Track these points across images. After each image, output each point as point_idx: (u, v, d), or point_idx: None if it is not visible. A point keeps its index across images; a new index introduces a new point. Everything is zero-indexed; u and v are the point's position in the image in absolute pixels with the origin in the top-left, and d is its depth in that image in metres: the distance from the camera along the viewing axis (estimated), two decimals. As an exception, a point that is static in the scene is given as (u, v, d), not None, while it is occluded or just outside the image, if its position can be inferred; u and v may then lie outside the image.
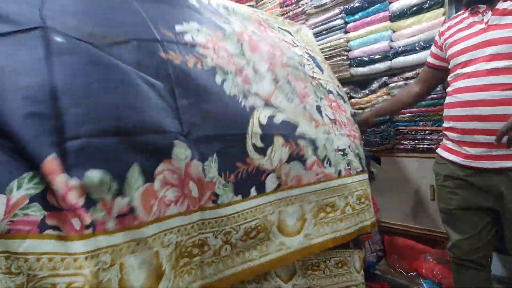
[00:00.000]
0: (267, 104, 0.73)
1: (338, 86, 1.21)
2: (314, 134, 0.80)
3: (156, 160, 0.51)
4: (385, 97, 1.66)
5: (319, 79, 1.07)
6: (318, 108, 0.90)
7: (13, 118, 0.40)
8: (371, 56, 1.70)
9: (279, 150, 0.70)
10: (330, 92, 1.06)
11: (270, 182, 0.68)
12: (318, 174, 0.77)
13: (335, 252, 0.85)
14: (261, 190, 0.67)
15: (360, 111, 1.76)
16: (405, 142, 1.61)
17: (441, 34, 1.07)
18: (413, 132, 1.58)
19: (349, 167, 0.88)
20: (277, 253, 0.67)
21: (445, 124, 1.04)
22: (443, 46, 1.05)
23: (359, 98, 1.78)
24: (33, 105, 0.42)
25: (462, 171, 0.97)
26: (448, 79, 1.03)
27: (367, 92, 1.75)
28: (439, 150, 1.09)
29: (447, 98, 1.03)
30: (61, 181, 0.41)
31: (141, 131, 0.50)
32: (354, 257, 0.90)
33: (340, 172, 0.84)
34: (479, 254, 0.99)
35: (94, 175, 0.44)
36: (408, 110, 1.59)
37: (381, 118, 1.66)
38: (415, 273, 1.47)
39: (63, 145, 0.42)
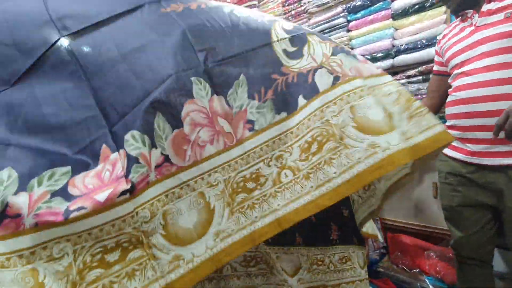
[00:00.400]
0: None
1: None
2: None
3: (178, 104, 0.49)
4: (387, 95, 1.67)
5: None
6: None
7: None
8: (373, 54, 1.71)
9: (319, 46, 0.58)
10: None
11: (322, 78, 0.54)
12: (378, 67, 0.63)
13: (339, 247, 0.86)
14: (313, 92, 0.54)
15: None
16: (407, 140, 1.62)
17: (439, 42, 1.12)
18: (415, 130, 1.59)
19: None
20: (370, 159, 0.50)
21: (447, 123, 1.06)
22: (441, 52, 1.10)
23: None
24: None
25: (464, 168, 0.98)
26: (449, 81, 1.06)
27: (369, 90, 1.75)
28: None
29: (448, 97, 1.05)
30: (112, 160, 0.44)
31: (155, 84, 0.48)
32: (358, 253, 0.91)
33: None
34: (482, 251, 1.00)
35: (128, 137, 0.46)
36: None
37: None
38: (418, 270, 1.48)
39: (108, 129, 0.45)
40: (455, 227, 1.05)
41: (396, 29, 1.64)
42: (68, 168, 0.44)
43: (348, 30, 1.84)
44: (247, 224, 0.50)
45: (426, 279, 1.41)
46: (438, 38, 1.15)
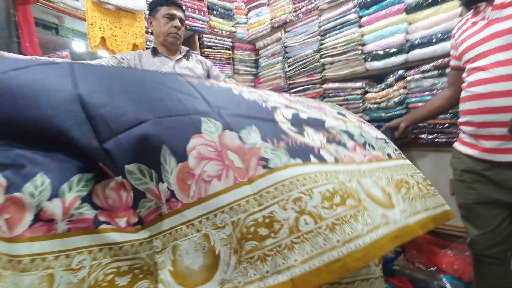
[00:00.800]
0: (288, 107, 0.66)
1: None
2: (345, 127, 0.70)
3: (184, 138, 0.47)
4: (401, 90, 1.64)
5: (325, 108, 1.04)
6: (339, 113, 0.84)
7: (63, 128, 0.44)
8: (386, 50, 1.68)
9: (314, 135, 0.60)
10: (340, 114, 1.03)
11: (326, 155, 0.55)
12: (366, 155, 0.64)
13: None
14: (322, 159, 0.54)
15: (375, 105, 1.74)
16: (423, 137, 1.59)
17: (453, 36, 1.10)
18: (431, 126, 1.56)
19: (398, 152, 0.76)
20: (386, 228, 0.50)
21: (461, 119, 1.04)
22: (455, 45, 1.08)
23: (375, 92, 1.76)
24: (72, 115, 0.45)
25: (479, 165, 0.96)
26: (463, 75, 1.04)
27: (383, 86, 1.73)
28: (456, 144, 1.09)
29: (462, 93, 1.03)
30: (112, 184, 0.46)
31: (165, 115, 0.48)
32: None
33: (389, 155, 0.71)
34: (498, 248, 0.98)
35: (132, 168, 0.46)
36: (426, 103, 1.56)
37: (396, 110, 1.64)
38: (435, 268, 1.45)
39: (103, 146, 0.45)
40: (470, 225, 1.03)
41: (410, 23, 1.61)
42: (92, 175, 0.47)
43: (360, 26, 1.81)
44: (256, 278, 0.43)
45: (443, 277, 1.39)
46: (452, 32, 1.12)
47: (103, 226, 0.45)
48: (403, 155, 0.85)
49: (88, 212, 0.45)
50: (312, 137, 0.58)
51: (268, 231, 0.44)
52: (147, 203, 0.48)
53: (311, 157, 0.53)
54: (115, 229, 0.46)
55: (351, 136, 0.67)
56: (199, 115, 0.50)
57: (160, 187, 0.47)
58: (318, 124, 0.65)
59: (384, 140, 0.79)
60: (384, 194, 0.56)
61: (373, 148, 0.69)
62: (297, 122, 0.60)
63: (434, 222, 0.64)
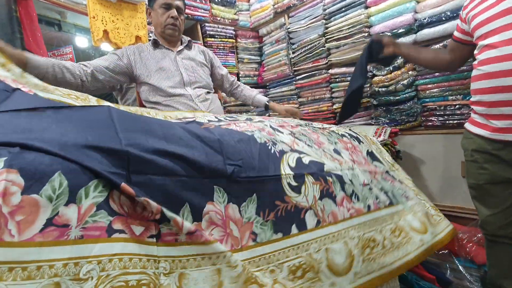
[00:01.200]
0: (292, 150, 0.77)
1: (350, 129, 1.23)
2: (340, 170, 0.83)
3: (203, 201, 0.57)
4: (410, 72, 1.60)
5: (329, 128, 1.13)
6: (336, 151, 0.94)
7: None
8: (394, 31, 1.63)
9: (311, 187, 0.72)
10: (343, 135, 1.10)
11: (310, 219, 0.68)
12: (350, 210, 0.77)
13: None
14: (302, 227, 0.67)
15: (383, 89, 1.71)
16: (433, 119, 1.56)
17: (465, 8, 1.04)
18: (442, 108, 1.52)
19: (377, 201, 0.88)
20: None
21: (472, 98, 1.01)
22: (467, 19, 1.02)
23: (383, 75, 1.72)
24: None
25: (490, 145, 0.95)
26: (474, 52, 1.00)
27: (391, 69, 1.68)
28: (467, 125, 1.07)
29: (473, 71, 1.00)
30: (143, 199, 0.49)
31: (192, 173, 0.57)
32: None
33: (369, 206, 0.83)
34: (511, 228, 0.97)
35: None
36: (436, 84, 1.52)
37: (405, 93, 1.60)
38: (447, 251, 1.45)
39: (130, 177, 0.50)
40: (482, 205, 1.02)
41: (418, 2, 1.55)
42: (108, 180, 0.47)
43: (367, 7, 1.76)
44: None
45: (455, 260, 1.38)
46: (464, 3, 1.05)
47: (116, 235, 0.46)
48: (387, 202, 0.91)
49: (102, 220, 0.45)
50: (308, 192, 0.71)
51: (258, 286, 0.56)
52: (171, 227, 0.51)
53: (293, 227, 0.66)
54: (128, 238, 0.46)
55: (342, 186, 0.79)
56: (213, 180, 0.60)
57: (184, 222, 0.52)
58: (318, 169, 0.77)
59: (369, 186, 0.90)
60: (348, 257, 0.70)
61: (358, 199, 0.82)
62: (300, 172, 0.72)
63: (381, 280, 0.75)
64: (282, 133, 0.83)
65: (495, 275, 1.03)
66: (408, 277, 1.34)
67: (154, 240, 0.50)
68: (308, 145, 0.85)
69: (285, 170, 0.70)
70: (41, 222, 0.40)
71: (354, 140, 1.12)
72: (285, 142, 0.77)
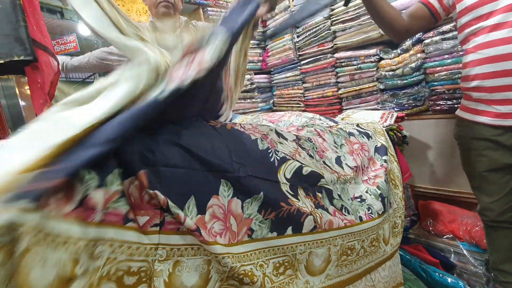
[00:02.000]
0: (293, 159, 0.78)
1: (358, 125, 1.21)
2: (332, 185, 0.85)
3: (209, 194, 0.59)
4: (418, 55, 1.55)
5: (337, 125, 1.10)
6: (338, 160, 0.94)
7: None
8: (403, 11, 1.57)
9: (305, 200, 0.74)
10: (351, 134, 1.08)
11: (308, 224, 0.70)
12: (343, 220, 0.80)
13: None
14: (298, 230, 0.69)
15: (390, 72, 1.67)
16: (441, 103, 1.52)
17: None
18: (450, 91, 1.48)
19: (369, 211, 0.90)
20: None
21: (466, 85, 0.97)
22: None
23: (390, 59, 1.68)
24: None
25: (489, 131, 0.93)
26: (466, 34, 0.95)
27: (398, 51, 1.64)
28: (460, 112, 1.05)
29: (467, 56, 0.96)
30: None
31: (199, 167, 0.58)
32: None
33: (361, 218, 0.86)
34: (511, 213, 0.96)
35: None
36: (445, 67, 1.48)
37: (413, 77, 1.56)
38: (451, 235, 1.45)
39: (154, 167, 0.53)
40: (482, 193, 1.01)
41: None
42: (125, 169, 0.50)
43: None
44: None
45: (460, 244, 1.39)
46: None
47: (130, 224, 0.49)
48: (380, 211, 0.91)
49: (122, 208, 0.48)
50: (304, 202, 0.73)
51: (249, 280, 0.59)
52: (174, 219, 0.54)
53: (288, 229, 0.69)
54: (137, 228, 0.50)
55: (331, 201, 0.82)
56: (221, 174, 0.61)
57: (187, 218, 0.53)
58: (312, 183, 0.80)
59: (360, 199, 0.92)
60: (325, 261, 0.75)
61: (348, 212, 0.84)
62: (294, 184, 0.74)
63: (348, 282, 0.80)
64: (286, 139, 0.84)
65: (497, 260, 1.03)
66: (412, 260, 1.36)
67: (158, 228, 0.52)
68: (310, 155, 0.86)
69: (282, 179, 0.72)
70: (75, 203, 0.43)
71: (362, 137, 1.10)
72: (286, 153, 0.79)
